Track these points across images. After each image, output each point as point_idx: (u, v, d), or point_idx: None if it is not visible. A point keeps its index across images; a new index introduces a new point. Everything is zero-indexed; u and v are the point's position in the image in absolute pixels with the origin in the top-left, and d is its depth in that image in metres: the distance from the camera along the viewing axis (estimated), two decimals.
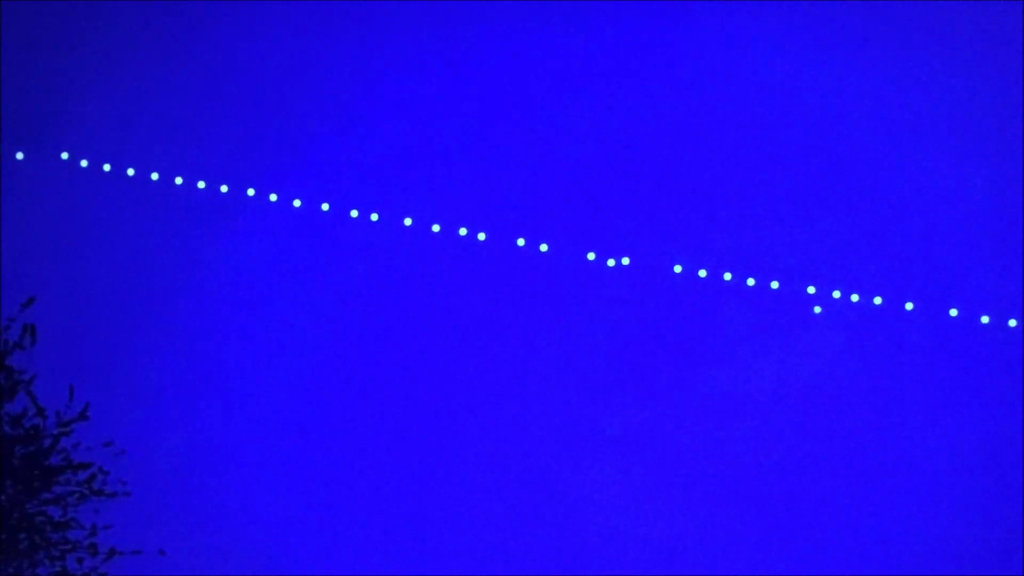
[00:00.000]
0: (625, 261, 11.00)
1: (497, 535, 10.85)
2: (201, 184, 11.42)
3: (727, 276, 10.90)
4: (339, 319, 11.27)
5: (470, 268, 11.14)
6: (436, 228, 11.16)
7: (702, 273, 10.91)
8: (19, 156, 11.50)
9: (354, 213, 11.25)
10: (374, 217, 11.26)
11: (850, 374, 10.77)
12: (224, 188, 11.39)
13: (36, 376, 9.54)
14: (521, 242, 11.05)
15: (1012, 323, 10.63)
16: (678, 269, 10.94)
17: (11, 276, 11.00)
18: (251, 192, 11.37)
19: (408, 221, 11.21)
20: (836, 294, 10.80)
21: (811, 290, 10.86)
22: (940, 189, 10.90)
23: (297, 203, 11.33)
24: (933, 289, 10.80)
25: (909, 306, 10.76)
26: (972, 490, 10.55)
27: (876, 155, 10.99)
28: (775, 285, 10.84)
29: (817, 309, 10.81)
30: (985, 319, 10.67)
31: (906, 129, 10.97)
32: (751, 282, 10.83)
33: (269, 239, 11.41)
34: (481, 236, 11.11)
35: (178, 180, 11.46)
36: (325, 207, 11.33)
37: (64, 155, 11.56)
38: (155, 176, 11.48)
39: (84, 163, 11.56)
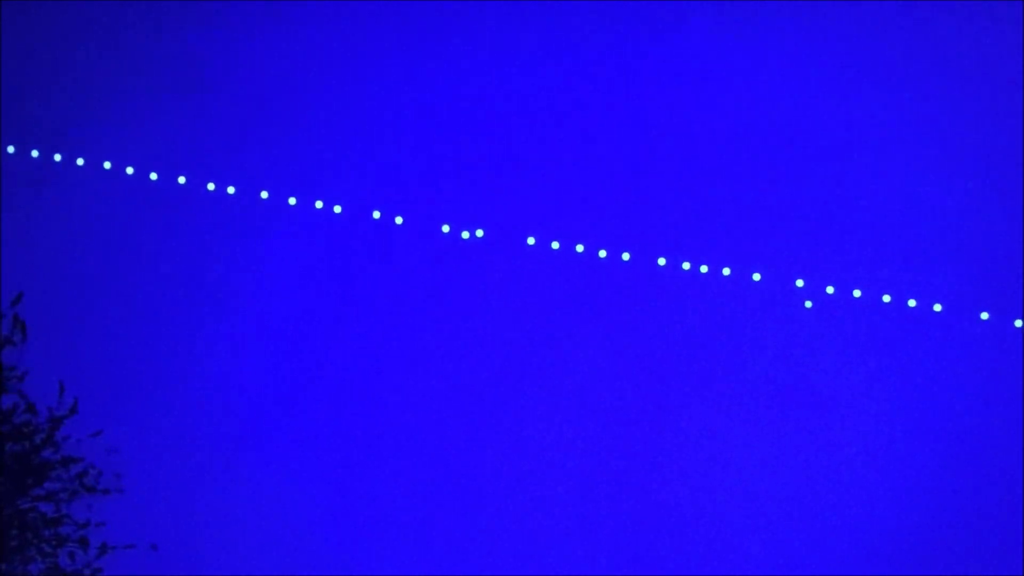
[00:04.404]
0: (625, 257, 10.99)
1: (495, 536, 10.84)
2: (211, 186, 11.45)
3: (726, 271, 10.88)
4: (329, 316, 11.30)
5: (496, 270, 11.16)
6: (448, 229, 11.17)
7: (704, 269, 10.90)
8: (9, 149, 11.56)
9: (376, 215, 11.26)
10: (399, 220, 11.27)
11: (843, 371, 10.73)
12: (231, 190, 11.42)
13: (28, 372, 9.57)
14: (555, 244, 11.07)
15: (1018, 323, 10.58)
16: (686, 266, 10.93)
17: (10, 273, 11.06)
18: (265, 195, 11.41)
19: (446, 228, 11.21)
20: (829, 289, 10.77)
21: (800, 283, 10.84)
22: (939, 184, 10.86)
23: (291, 200, 11.36)
24: (933, 286, 10.75)
25: (912, 303, 10.72)
26: (971, 488, 10.49)
27: (873, 149, 10.96)
28: (796, 282, 10.81)
29: (808, 304, 10.78)
30: (984, 316, 10.61)
31: (903, 123, 10.94)
32: (756, 277, 10.81)
33: (266, 239, 11.44)
34: (487, 235, 11.10)
35: (181, 180, 11.50)
36: (319, 204, 11.35)
37: (57, 156, 11.62)
38: (154, 176, 11.52)
39: (80, 161, 11.61)
